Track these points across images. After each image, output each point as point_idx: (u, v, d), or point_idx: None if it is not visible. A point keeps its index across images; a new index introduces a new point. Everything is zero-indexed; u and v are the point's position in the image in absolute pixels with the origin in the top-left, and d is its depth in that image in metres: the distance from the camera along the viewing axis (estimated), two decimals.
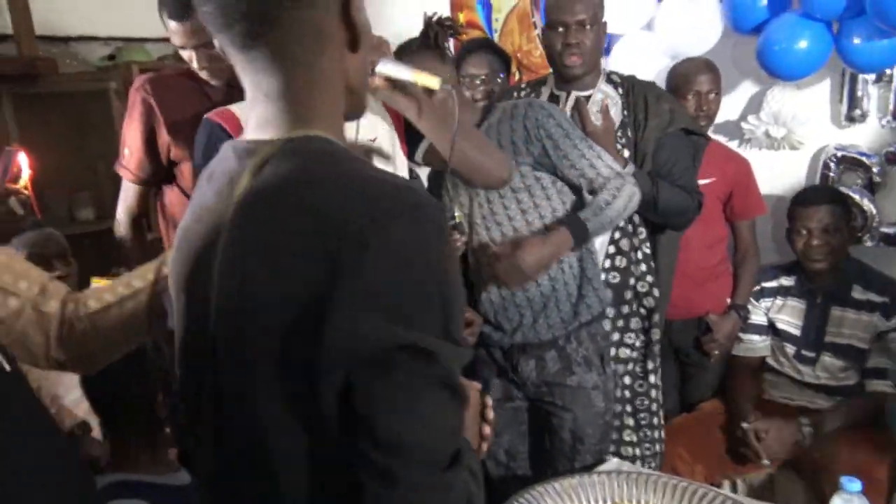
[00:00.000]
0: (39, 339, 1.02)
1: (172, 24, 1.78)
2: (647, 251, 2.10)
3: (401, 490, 0.64)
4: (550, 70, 2.10)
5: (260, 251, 0.69)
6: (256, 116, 0.78)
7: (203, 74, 1.88)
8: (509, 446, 2.03)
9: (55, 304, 1.04)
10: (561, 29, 1.91)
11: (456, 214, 1.92)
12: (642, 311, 2.07)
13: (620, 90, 2.03)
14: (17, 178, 1.45)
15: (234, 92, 1.89)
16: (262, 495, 0.73)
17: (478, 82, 2.05)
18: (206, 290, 0.75)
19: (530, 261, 1.70)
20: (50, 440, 0.86)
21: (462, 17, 3.34)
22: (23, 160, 1.44)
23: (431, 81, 1.28)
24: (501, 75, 2.15)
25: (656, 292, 2.09)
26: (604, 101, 2.01)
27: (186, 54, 1.86)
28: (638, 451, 2.07)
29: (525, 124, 1.75)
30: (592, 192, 1.77)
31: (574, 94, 2.02)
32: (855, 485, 1.23)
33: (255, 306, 0.69)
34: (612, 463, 1.57)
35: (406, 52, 1.66)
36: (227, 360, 0.73)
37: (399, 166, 1.68)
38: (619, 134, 1.99)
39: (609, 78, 2.06)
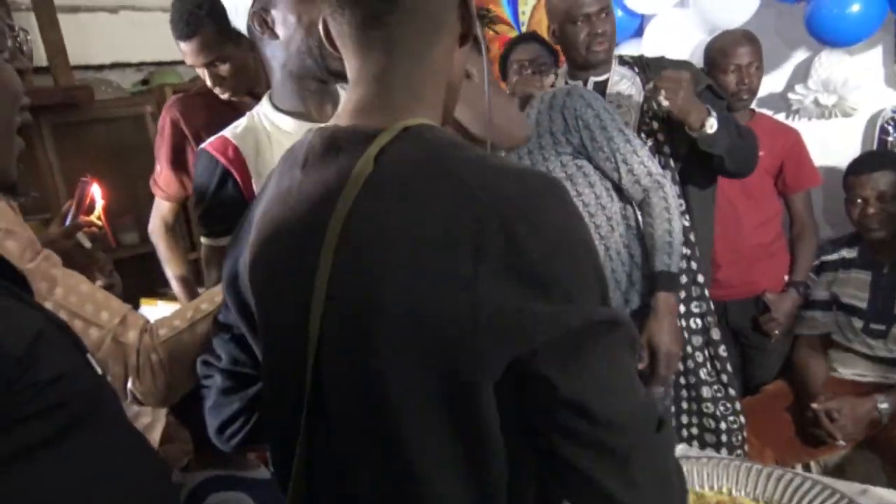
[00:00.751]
0: (118, 370, 1.01)
1: (182, 45, 1.81)
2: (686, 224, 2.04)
3: (634, 464, 0.63)
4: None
5: (396, 237, 0.66)
6: (357, 100, 0.76)
7: (217, 91, 1.90)
8: None
9: (134, 335, 1.02)
10: (581, 22, 1.93)
11: None
12: (694, 290, 2.02)
13: (635, 69, 2.03)
14: (90, 210, 1.47)
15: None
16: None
17: (524, 67, 2.03)
18: (303, 284, 0.70)
19: (667, 341, 1.75)
20: (136, 438, 0.84)
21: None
22: (96, 191, 1.47)
23: None
24: (545, 65, 2.14)
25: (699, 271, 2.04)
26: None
27: (200, 73, 1.88)
28: (723, 425, 1.99)
29: (564, 114, 1.76)
30: (622, 188, 1.79)
31: (591, 79, 2.02)
32: None
33: (390, 295, 0.65)
34: (679, 448, 1.51)
35: None
36: (342, 359, 0.69)
37: None
38: (644, 108, 1.98)
39: (621, 60, 2.06)
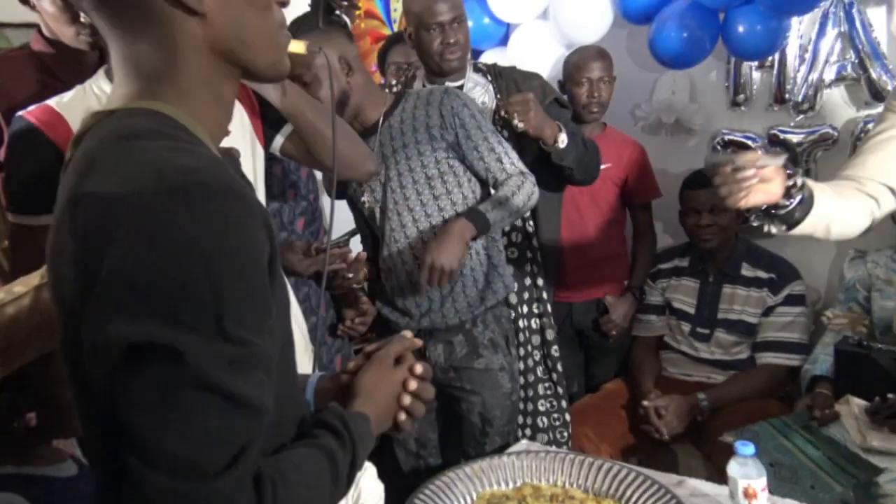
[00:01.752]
0: None
1: None
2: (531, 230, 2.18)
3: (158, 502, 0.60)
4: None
5: (58, 239, 0.66)
6: (115, 77, 0.73)
7: (79, 39, 1.61)
8: (419, 435, 2.03)
9: None
10: (435, 30, 1.97)
11: (364, 200, 1.91)
12: (534, 292, 2.15)
13: (488, 77, 2.12)
14: None
15: (84, 65, 1.63)
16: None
17: (400, 69, 2.06)
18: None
19: (444, 259, 1.70)
20: None
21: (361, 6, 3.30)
22: None
23: (297, 46, 1.18)
24: (420, 68, 2.18)
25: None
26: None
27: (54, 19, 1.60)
28: (547, 421, 2.12)
29: (441, 111, 1.80)
30: (496, 185, 1.84)
31: (447, 84, 2.06)
32: (748, 448, 1.30)
33: (61, 299, 0.67)
34: (521, 444, 1.59)
35: (308, 30, 1.62)
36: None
37: (257, 159, 1.50)
38: (496, 117, 2.06)
39: (476, 67, 2.14)
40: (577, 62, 2.41)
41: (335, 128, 1.22)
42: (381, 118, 1.87)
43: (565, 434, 2.14)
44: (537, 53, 2.62)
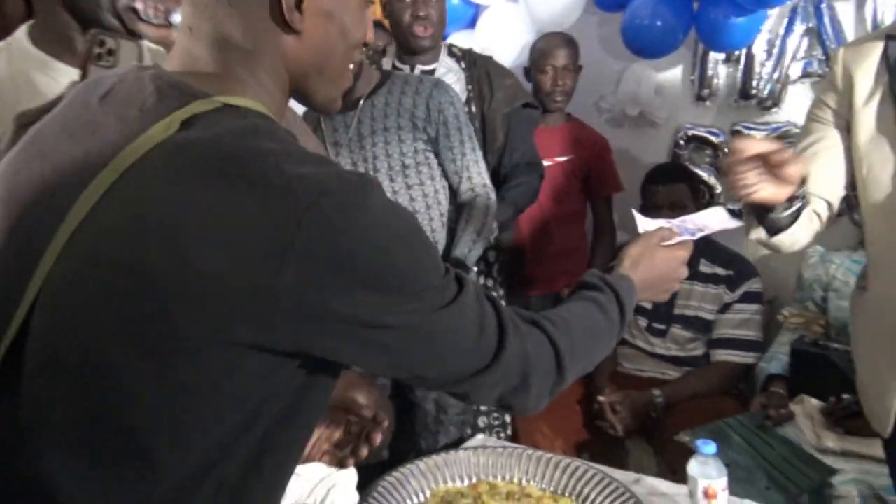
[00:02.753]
0: None
1: None
2: None
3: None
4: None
5: (178, 208, 0.60)
6: (180, 44, 0.71)
7: None
8: None
9: None
10: (406, 0, 1.91)
11: None
12: (489, 281, 2.12)
13: (462, 64, 2.06)
14: None
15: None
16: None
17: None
18: (52, 214, 0.63)
19: None
20: None
21: None
22: None
23: None
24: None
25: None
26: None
27: None
28: (487, 421, 2.07)
29: (428, 104, 1.78)
30: (457, 191, 1.84)
31: (418, 67, 2.03)
32: (710, 447, 1.27)
33: (157, 261, 0.59)
34: (477, 439, 1.54)
35: None
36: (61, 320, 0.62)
37: None
38: (467, 110, 2.02)
39: (450, 51, 2.08)
40: (542, 49, 2.37)
41: None
42: (365, 96, 1.81)
43: (502, 435, 2.10)
44: (506, 37, 2.56)
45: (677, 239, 1.01)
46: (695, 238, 1.03)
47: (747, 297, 2.23)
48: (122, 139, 0.63)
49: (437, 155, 1.83)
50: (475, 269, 2.03)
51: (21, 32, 1.13)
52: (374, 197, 0.63)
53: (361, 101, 1.83)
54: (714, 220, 1.11)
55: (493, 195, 1.88)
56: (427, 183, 1.83)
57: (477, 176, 1.85)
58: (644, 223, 1.05)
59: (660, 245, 0.98)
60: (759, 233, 1.30)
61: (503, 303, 2.08)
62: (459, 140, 1.81)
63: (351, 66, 0.77)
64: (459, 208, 1.88)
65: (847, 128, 1.27)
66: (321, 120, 1.85)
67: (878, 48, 1.24)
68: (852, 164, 1.27)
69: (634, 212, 1.06)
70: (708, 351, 2.26)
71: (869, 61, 1.24)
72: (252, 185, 0.59)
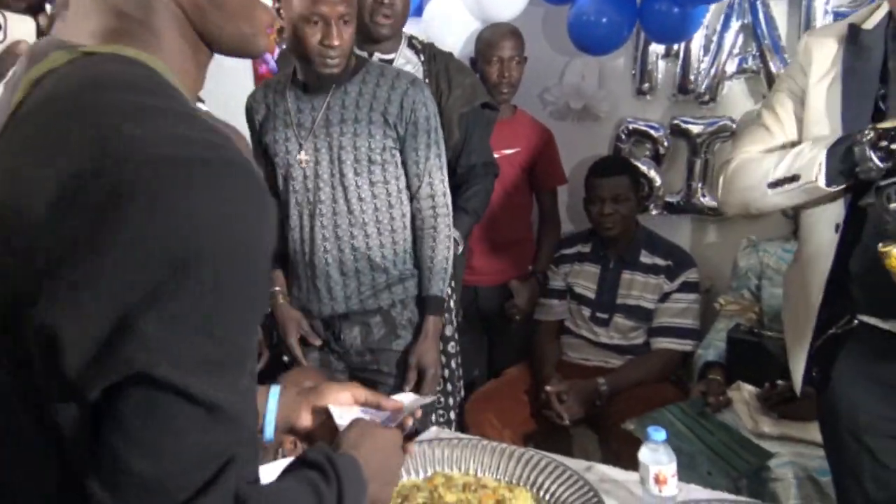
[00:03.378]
0: None
1: None
2: None
3: None
4: None
5: (15, 178, 0.54)
6: (71, 13, 0.62)
7: None
8: None
9: None
10: None
11: (301, 159, 1.79)
12: None
13: (422, 57, 2.03)
14: None
15: None
16: None
17: None
18: None
19: (433, 361, 1.84)
20: None
21: None
22: None
23: None
24: None
25: None
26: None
27: None
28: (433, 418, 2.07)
29: (402, 101, 1.73)
30: (413, 195, 1.81)
31: (377, 55, 1.98)
32: (660, 434, 1.29)
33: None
34: (432, 431, 1.53)
35: None
36: None
37: None
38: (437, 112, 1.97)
39: (410, 42, 2.04)
40: (488, 39, 2.35)
41: None
42: (337, 82, 1.74)
43: (449, 429, 2.09)
44: (451, 27, 2.53)
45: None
46: (393, 425, 0.96)
47: (686, 287, 2.29)
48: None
49: (402, 154, 1.79)
50: None
51: None
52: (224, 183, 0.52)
53: (332, 88, 1.74)
54: (406, 400, 1.05)
55: (445, 220, 1.84)
56: (392, 182, 1.78)
57: (438, 184, 1.82)
58: (340, 414, 0.94)
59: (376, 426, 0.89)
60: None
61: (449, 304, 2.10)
62: (426, 143, 1.76)
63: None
64: (423, 230, 1.84)
65: (802, 101, 1.35)
66: (287, 96, 1.78)
67: (840, 34, 1.32)
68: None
69: (330, 406, 0.95)
70: (648, 339, 2.32)
71: (829, 43, 1.32)
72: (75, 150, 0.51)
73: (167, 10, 0.61)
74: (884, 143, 1.14)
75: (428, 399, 1.23)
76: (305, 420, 0.95)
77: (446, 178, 1.85)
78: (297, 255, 1.84)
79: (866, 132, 1.16)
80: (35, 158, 0.53)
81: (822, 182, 1.22)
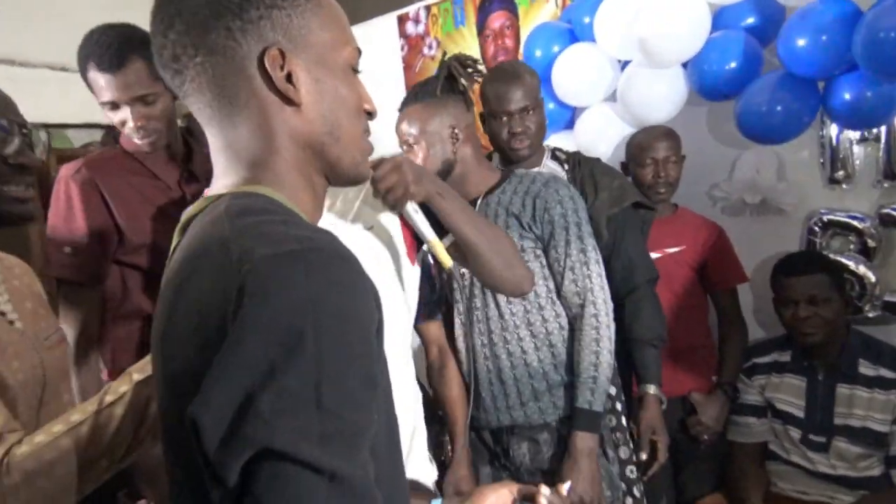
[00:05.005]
0: None
1: (104, 78, 1.43)
2: None
3: None
4: None
5: (175, 309, 0.60)
6: (216, 168, 0.70)
7: (138, 136, 1.50)
8: None
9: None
10: (505, 118, 1.73)
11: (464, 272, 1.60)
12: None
13: (566, 166, 1.84)
14: None
15: (175, 159, 1.61)
16: None
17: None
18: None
19: (586, 487, 1.48)
20: None
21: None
22: None
23: (445, 258, 1.15)
24: None
25: None
26: None
27: (120, 115, 1.48)
28: None
29: (535, 202, 1.56)
30: (562, 291, 1.56)
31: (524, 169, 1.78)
32: None
33: (171, 380, 0.60)
34: None
35: (424, 96, 1.47)
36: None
37: (405, 275, 1.28)
38: (579, 207, 1.72)
39: (554, 155, 1.86)
40: (640, 142, 2.06)
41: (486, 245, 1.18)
42: (482, 195, 1.59)
43: None
44: (606, 135, 2.25)
45: None
46: None
47: None
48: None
49: (546, 255, 1.57)
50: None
51: None
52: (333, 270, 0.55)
53: (479, 201, 1.59)
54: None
55: (601, 314, 1.54)
56: (540, 283, 1.56)
57: (583, 280, 1.54)
58: None
59: None
60: None
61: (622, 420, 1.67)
62: (565, 240, 1.55)
63: (364, 131, 0.73)
64: (573, 328, 1.58)
65: None
66: None
67: None
68: None
69: None
70: (888, 471, 1.76)
71: None
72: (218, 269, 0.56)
73: (288, 152, 0.67)
74: None
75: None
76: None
77: (595, 272, 1.55)
78: (462, 365, 1.63)
79: None
80: (186, 284, 0.58)
81: None
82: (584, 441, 1.49)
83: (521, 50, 2.39)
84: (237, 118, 0.66)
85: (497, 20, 2.75)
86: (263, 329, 0.50)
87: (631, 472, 1.66)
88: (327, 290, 0.53)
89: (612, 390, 1.67)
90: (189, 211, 0.66)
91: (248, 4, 0.64)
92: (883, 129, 1.96)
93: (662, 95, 2.11)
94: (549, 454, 1.56)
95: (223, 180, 0.68)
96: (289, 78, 0.65)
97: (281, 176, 0.67)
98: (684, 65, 2.08)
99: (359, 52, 0.72)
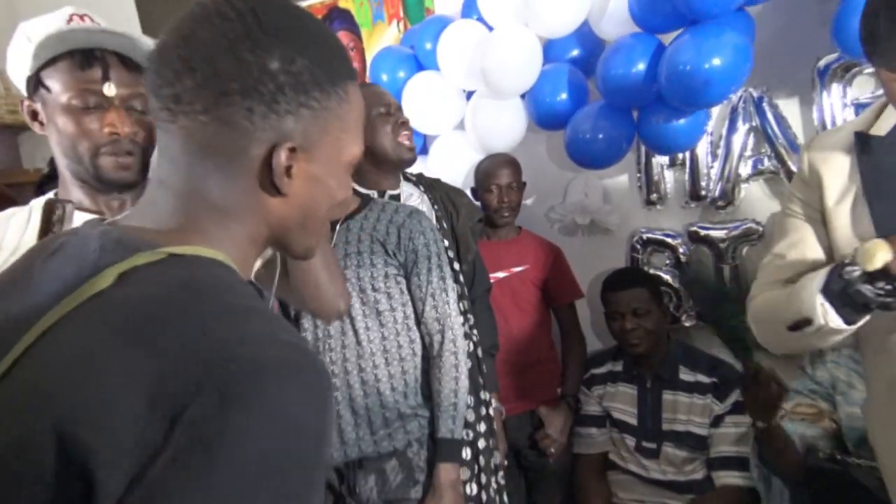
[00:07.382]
0: None
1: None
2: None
3: None
4: None
5: (92, 366, 0.45)
6: (147, 196, 0.57)
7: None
8: None
9: None
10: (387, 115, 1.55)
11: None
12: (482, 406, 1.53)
13: (420, 187, 1.68)
14: None
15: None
16: None
17: None
18: None
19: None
20: None
21: None
22: None
23: None
24: None
25: None
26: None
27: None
28: None
29: (400, 231, 1.41)
30: (423, 318, 1.41)
31: (388, 192, 1.60)
32: None
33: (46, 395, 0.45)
34: None
35: None
36: None
37: None
38: (437, 227, 1.56)
39: (405, 176, 1.69)
40: (485, 169, 1.91)
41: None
42: (341, 220, 1.40)
43: None
44: (456, 162, 2.06)
45: None
46: None
47: (739, 407, 1.61)
48: (50, 300, 0.50)
49: (408, 282, 1.41)
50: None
51: None
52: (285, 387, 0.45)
53: (338, 227, 1.40)
54: None
55: (458, 340, 1.37)
56: (398, 309, 1.39)
57: (442, 306, 1.39)
58: None
59: None
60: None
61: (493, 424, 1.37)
62: (427, 268, 1.41)
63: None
64: (432, 359, 1.38)
65: (822, 221, 0.98)
66: None
67: (845, 145, 0.95)
68: (832, 258, 0.97)
69: None
70: (710, 473, 1.65)
71: (838, 160, 0.95)
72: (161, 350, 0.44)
73: (251, 227, 0.58)
74: (881, 285, 0.83)
75: None
76: None
77: (452, 300, 1.40)
78: None
79: (847, 269, 0.85)
80: (123, 352, 0.45)
81: (839, 324, 0.88)
82: (447, 473, 1.31)
83: (368, 72, 2.14)
84: (215, 175, 0.55)
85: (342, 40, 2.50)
86: (241, 461, 0.42)
87: (501, 478, 1.46)
88: (305, 406, 0.46)
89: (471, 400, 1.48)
90: (140, 259, 0.50)
91: (281, 97, 0.54)
92: (688, 154, 1.89)
93: (506, 124, 1.96)
94: (396, 482, 1.33)
95: (163, 217, 0.55)
96: (287, 170, 0.56)
97: (236, 242, 0.57)
98: (523, 96, 1.93)
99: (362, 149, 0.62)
